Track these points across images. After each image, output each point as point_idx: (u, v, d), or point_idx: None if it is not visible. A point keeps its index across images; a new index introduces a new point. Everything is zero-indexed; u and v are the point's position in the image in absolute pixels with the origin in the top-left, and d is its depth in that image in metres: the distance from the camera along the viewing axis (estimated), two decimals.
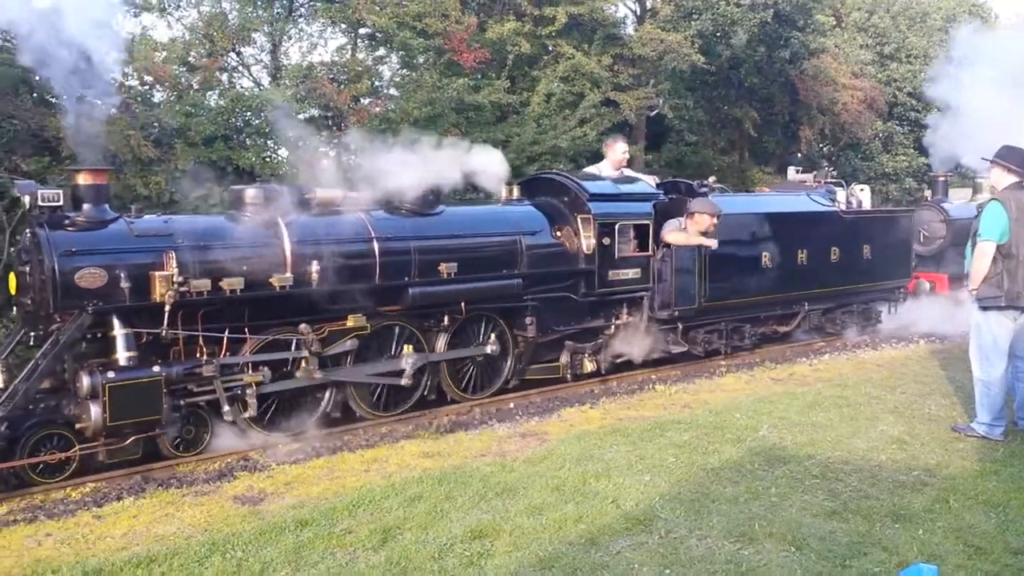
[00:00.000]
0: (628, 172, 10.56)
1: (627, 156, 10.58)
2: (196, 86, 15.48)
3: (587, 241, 9.10)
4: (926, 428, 7.39)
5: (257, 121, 15.16)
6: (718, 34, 21.75)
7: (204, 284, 6.81)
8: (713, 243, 9.78)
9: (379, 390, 8.13)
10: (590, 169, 10.76)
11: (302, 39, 18.23)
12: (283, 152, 15.64)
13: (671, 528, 5.16)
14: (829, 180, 12.62)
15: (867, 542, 4.99)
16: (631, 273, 9.48)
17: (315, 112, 15.97)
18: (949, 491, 5.80)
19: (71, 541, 5.17)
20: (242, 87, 16.52)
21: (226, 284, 6.94)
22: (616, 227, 9.26)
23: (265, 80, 17.17)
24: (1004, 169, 7.13)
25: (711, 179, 11.19)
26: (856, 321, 12.42)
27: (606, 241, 9.18)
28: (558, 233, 9.15)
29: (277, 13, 17.08)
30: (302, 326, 7.38)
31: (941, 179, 15.27)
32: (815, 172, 13.50)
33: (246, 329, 7.25)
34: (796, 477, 6.09)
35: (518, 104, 19.22)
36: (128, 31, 15.32)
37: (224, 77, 16.31)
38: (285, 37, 17.47)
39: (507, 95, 18.59)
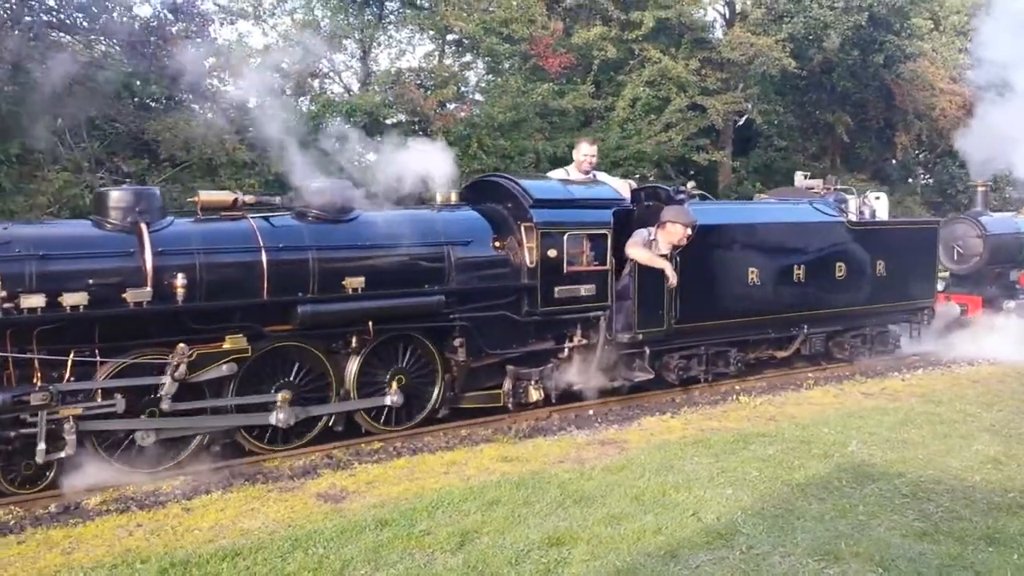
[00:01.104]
0: (603, 177, 9.48)
1: (591, 158, 9.37)
2: (288, 92, 15.88)
3: (530, 253, 7.95)
4: (1023, 448, 7.09)
5: (347, 126, 15.47)
6: (810, 37, 21.28)
7: (37, 300, 5.85)
8: (672, 277, 8.59)
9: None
10: (557, 173, 9.77)
11: (391, 45, 18.56)
12: (371, 157, 15.92)
13: (753, 544, 5.04)
14: (839, 187, 11.46)
15: (958, 565, 4.80)
16: (584, 289, 8.25)
17: (402, 117, 16.22)
18: None
19: (160, 532, 5.33)
20: (333, 93, 16.87)
21: (67, 300, 5.95)
22: (565, 237, 8.08)
23: (355, 86, 17.50)
24: None
25: (689, 185, 9.91)
26: (869, 346, 11.08)
27: (552, 253, 7.99)
28: (497, 244, 8.02)
29: (368, 20, 17.41)
30: (180, 346, 6.40)
31: (981, 189, 13.87)
32: (824, 178, 12.29)
33: (97, 352, 6.25)
34: (885, 496, 5.90)
35: (603, 109, 19.17)
36: (224, 38, 15.80)
37: (316, 83, 16.69)
38: (375, 44, 17.79)
39: (592, 100, 18.57)
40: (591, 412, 8.55)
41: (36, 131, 12.02)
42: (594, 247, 8.36)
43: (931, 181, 29.19)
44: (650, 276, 8.54)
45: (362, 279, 7.17)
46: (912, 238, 11.38)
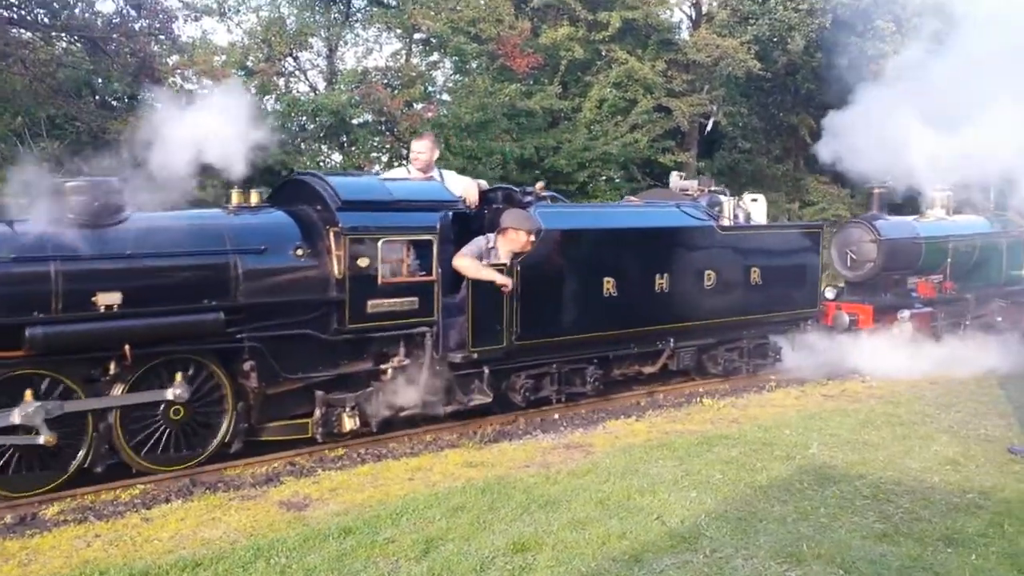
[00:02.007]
0: (450, 177, 8.75)
1: (420, 155, 8.57)
2: (254, 90, 15.74)
3: (338, 262, 7.00)
4: (981, 449, 7.20)
5: (312, 126, 15.37)
6: (775, 39, 21.46)
7: None
8: (506, 283, 7.79)
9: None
10: (397, 172, 9.00)
11: (358, 44, 18.45)
12: (336, 157, 15.85)
13: (717, 547, 5.08)
14: (713, 189, 10.67)
15: (918, 567, 4.86)
16: (403, 303, 7.32)
17: (369, 117, 16.14)
18: (1004, 515, 5.64)
19: (119, 542, 5.25)
20: (298, 92, 16.75)
21: None
22: (380, 244, 7.15)
23: (321, 85, 17.39)
24: None
25: (538, 185, 9.00)
26: (746, 360, 10.26)
27: (363, 262, 7.06)
28: (300, 252, 6.98)
29: (334, 18, 17.30)
30: None
31: (877, 191, 12.93)
32: (699, 178, 11.54)
33: None
34: (846, 497, 5.97)
35: (570, 110, 19.21)
36: (188, 35, 15.63)
37: (281, 82, 16.56)
38: (341, 42, 17.69)
39: (559, 100, 18.59)
40: (556, 416, 8.56)
41: None
42: (417, 255, 7.48)
43: (893, 184, 29.52)
44: (487, 288, 7.73)
45: (118, 295, 6.17)
46: (793, 243, 10.62)
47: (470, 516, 5.53)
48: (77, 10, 12.33)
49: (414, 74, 17.01)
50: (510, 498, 5.86)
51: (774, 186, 23.18)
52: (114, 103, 14.17)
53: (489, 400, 8.03)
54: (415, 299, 7.40)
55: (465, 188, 8.49)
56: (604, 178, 18.59)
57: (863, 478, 6.37)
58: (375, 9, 17.84)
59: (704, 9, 22.80)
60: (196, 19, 16.38)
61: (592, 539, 5.15)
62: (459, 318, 7.68)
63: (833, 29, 21.74)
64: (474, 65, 18.11)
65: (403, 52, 18.22)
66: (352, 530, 5.29)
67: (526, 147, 17.51)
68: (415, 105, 16.82)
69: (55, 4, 12.13)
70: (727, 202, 10.31)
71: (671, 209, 9.66)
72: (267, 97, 15.89)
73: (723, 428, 7.92)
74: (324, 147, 15.90)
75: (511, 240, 7.90)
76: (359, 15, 18.21)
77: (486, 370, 7.91)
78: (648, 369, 9.43)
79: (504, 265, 7.83)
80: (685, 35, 22.25)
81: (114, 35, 12.41)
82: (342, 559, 4.90)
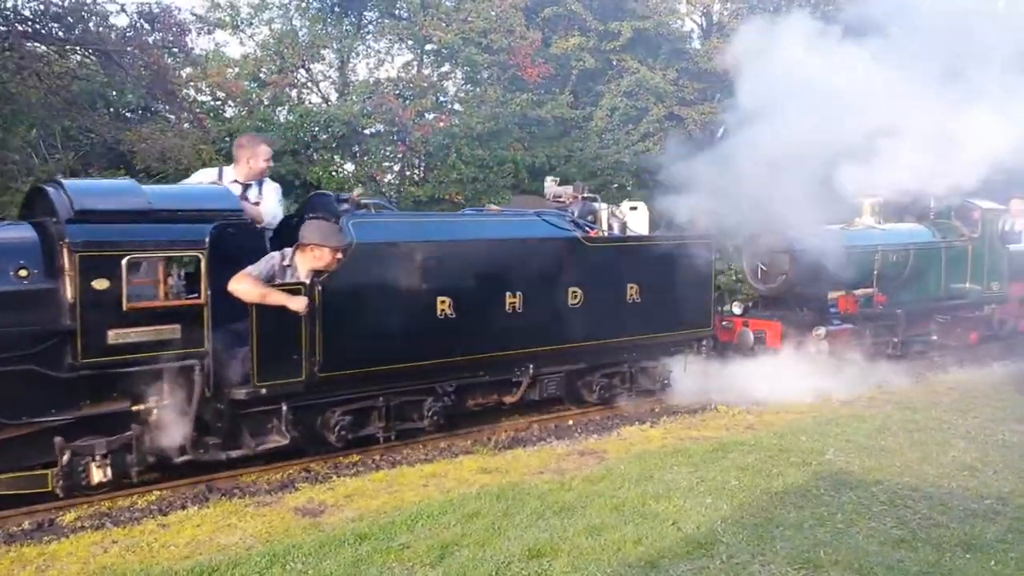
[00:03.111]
0: (268, 188, 7.59)
1: (266, 162, 7.56)
2: (266, 101, 15.83)
3: (71, 283, 5.88)
4: (999, 455, 7.15)
5: (324, 136, 15.45)
6: None
7: None
8: (299, 305, 6.59)
9: None
10: (202, 175, 7.86)
11: (370, 55, 18.53)
12: (349, 167, 15.91)
13: (733, 553, 5.05)
14: (586, 196, 9.67)
15: (936, 573, 4.83)
16: (160, 332, 6.16)
17: (381, 127, 16.20)
18: (1022, 520, 5.60)
19: (136, 548, 5.27)
20: (311, 103, 16.84)
21: None
22: (124, 262, 5.97)
23: (333, 96, 17.48)
24: None
25: (356, 191, 7.92)
26: (628, 386, 9.26)
27: (100, 284, 5.91)
28: (22, 272, 5.87)
29: (346, 30, 17.39)
30: None
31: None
32: (575, 183, 10.34)
33: None
34: (863, 503, 5.93)
35: (581, 119, 19.23)
36: (201, 48, 15.73)
37: (294, 93, 16.66)
38: (353, 54, 17.78)
39: (570, 110, 18.62)
40: (571, 422, 8.55)
41: (10, 142, 11.91)
42: (185, 275, 6.57)
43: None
44: (276, 312, 6.54)
45: None
46: (679, 255, 9.33)
47: (485, 522, 5.52)
48: (91, 24, 12.40)
49: (425, 84, 17.08)
50: (525, 504, 5.86)
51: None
52: (128, 115, 14.26)
53: (285, 442, 6.84)
54: (176, 327, 6.24)
55: (266, 194, 7.48)
56: (616, 186, 18.57)
57: (880, 484, 6.33)
58: (387, 21, 17.92)
59: (715, 18, 22.81)
60: (209, 32, 16.49)
61: (608, 545, 5.14)
62: (245, 348, 6.56)
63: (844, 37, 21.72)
64: (485, 75, 18.16)
65: (415, 63, 18.29)
66: (367, 536, 5.29)
67: (537, 156, 17.53)
68: (427, 115, 16.88)
69: (69, 18, 12.21)
70: (602, 211, 9.39)
71: (530, 219, 8.63)
72: (279, 108, 15.97)
73: (738, 434, 7.89)
74: (336, 157, 15.96)
75: (313, 257, 6.75)
76: (371, 27, 18.30)
77: (284, 407, 6.78)
78: (509, 398, 8.40)
79: (302, 285, 6.70)
80: (696, 44, 22.26)
81: (128, 48, 12.48)
82: (357, 565, 4.90)
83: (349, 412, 7.27)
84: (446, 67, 18.88)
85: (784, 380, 9.57)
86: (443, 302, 7.53)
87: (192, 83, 15.12)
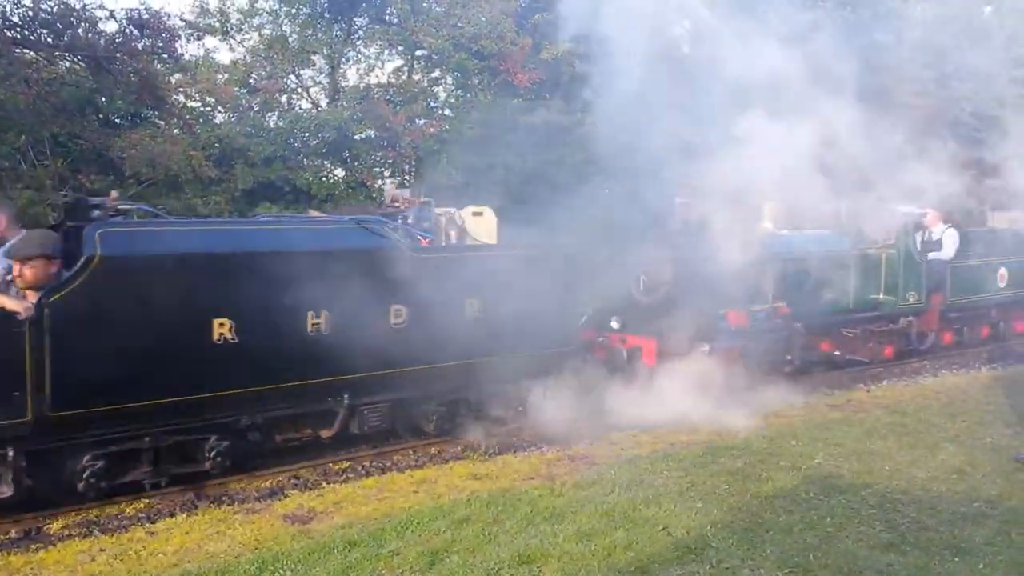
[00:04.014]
0: None
1: None
2: (256, 107, 15.83)
3: None
4: (987, 458, 7.16)
5: (315, 142, 15.45)
6: None
7: None
8: (18, 307, 5.63)
9: None
10: None
11: (360, 61, 18.55)
12: (339, 172, 15.91)
13: (723, 558, 5.06)
14: (424, 200, 8.56)
15: None
16: None
17: (371, 132, 16.21)
18: (1011, 524, 5.62)
19: (124, 556, 5.25)
20: (301, 108, 16.84)
21: None
22: None
23: (323, 101, 17.48)
24: None
25: (112, 194, 6.79)
26: (474, 414, 8.18)
27: None
28: None
29: (336, 36, 17.41)
30: None
31: (680, 201, 10.23)
32: (411, 186, 9.34)
33: None
34: (852, 507, 5.94)
35: (571, 124, 19.26)
36: (191, 54, 15.73)
37: (284, 99, 16.66)
38: (343, 59, 17.79)
39: (561, 115, 18.64)
40: (561, 428, 8.52)
41: None
42: None
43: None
44: None
45: None
46: (533, 266, 8.18)
47: (475, 528, 5.51)
48: (80, 30, 12.40)
49: (416, 90, 17.11)
50: (515, 510, 5.85)
51: None
52: (117, 121, 14.25)
53: (8, 494, 5.80)
54: None
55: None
56: (607, 190, 18.59)
57: (869, 488, 6.34)
58: (377, 27, 17.94)
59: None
60: (199, 38, 16.54)
61: (598, 550, 5.14)
62: None
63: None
64: (476, 81, 18.19)
65: (405, 69, 18.32)
66: (357, 543, 5.27)
67: (528, 161, 17.55)
68: (417, 121, 16.89)
69: (58, 24, 12.21)
70: (441, 217, 8.39)
71: (344, 227, 7.54)
72: (270, 114, 15.97)
73: (728, 439, 7.89)
74: (327, 163, 15.96)
75: (30, 271, 5.83)
76: (361, 33, 18.31)
77: (10, 453, 5.75)
78: (326, 432, 7.36)
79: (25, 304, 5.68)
80: (685, 50, 22.33)
81: (117, 54, 12.49)
82: (347, 572, 4.89)
83: (105, 456, 6.15)
84: (436, 73, 18.91)
85: (652, 404, 8.59)
86: (222, 325, 6.42)
87: (182, 89, 15.11)
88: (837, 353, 11.43)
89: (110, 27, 12.96)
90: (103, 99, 13.92)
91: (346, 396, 7.19)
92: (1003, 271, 13.43)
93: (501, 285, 7.83)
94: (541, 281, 8.11)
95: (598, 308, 9.55)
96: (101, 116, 14.03)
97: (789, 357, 10.57)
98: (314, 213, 9.17)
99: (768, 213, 11.02)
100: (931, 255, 12.14)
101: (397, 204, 8.57)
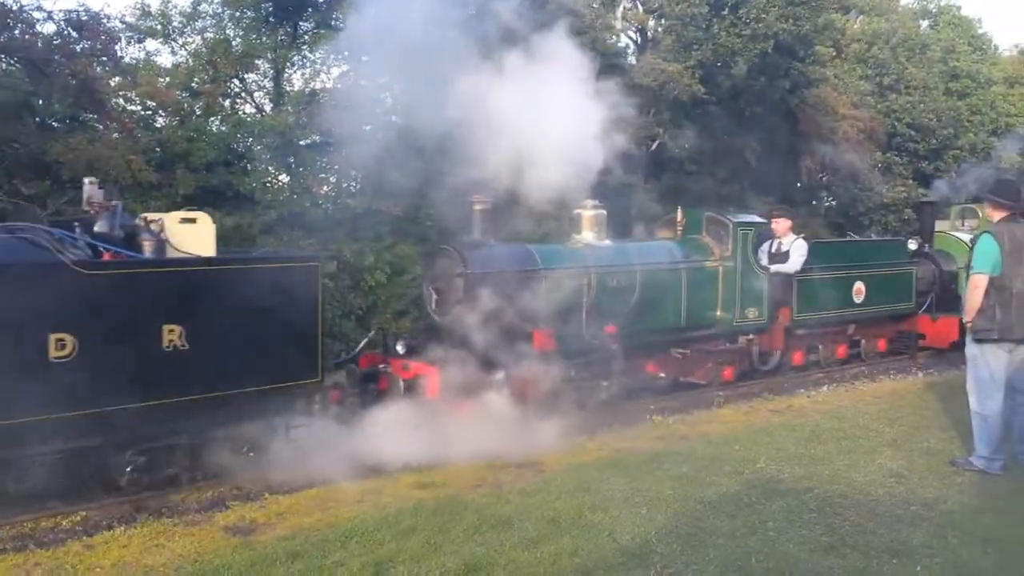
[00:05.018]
0: None
1: None
2: (199, 111, 15.58)
3: None
4: (924, 462, 7.32)
5: (259, 147, 15.24)
6: (719, 64, 21.87)
7: None
8: None
9: None
10: None
11: (305, 66, 18.37)
12: (284, 178, 15.72)
13: (667, 563, 5.09)
14: (114, 201, 7.05)
15: None
16: None
17: (317, 138, 16.05)
18: (947, 526, 5.74)
19: (60, 571, 5.11)
20: (244, 113, 16.62)
21: None
22: None
23: (267, 106, 17.28)
24: (995, 204, 7.17)
25: None
26: (190, 463, 7.03)
27: None
28: None
29: (281, 40, 17.22)
30: None
31: (479, 208, 8.99)
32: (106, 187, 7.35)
33: None
34: (793, 511, 6.03)
35: None
36: (131, 56, 15.44)
37: (227, 103, 16.42)
38: (288, 63, 17.61)
39: None
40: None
41: None
42: None
43: (834, 203, 30.24)
44: None
45: None
46: (263, 284, 7.09)
47: (421, 538, 5.47)
48: (17, 31, 12.09)
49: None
50: (462, 519, 5.82)
51: (720, 207, 23.45)
52: (55, 125, 13.90)
53: None
54: None
55: None
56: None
57: (810, 491, 6.44)
58: (323, 31, 17.80)
59: (649, 35, 23.19)
60: (140, 40, 16.24)
61: (544, 558, 5.13)
62: None
63: (775, 54, 22.24)
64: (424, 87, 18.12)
65: (351, 74, 18.17)
66: (300, 554, 5.20)
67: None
68: (364, 127, 16.75)
69: None
70: (154, 224, 7.04)
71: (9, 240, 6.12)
72: (212, 118, 15.73)
73: (673, 444, 7.97)
74: (271, 168, 15.75)
75: None
76: (307, 37, 18.16)
77: None
78: None
79: None
80: (631, 60, 22.57)
81: (55, 56, 12.20)
82: None
83: None
84: (384, 79, 18.79)
85: (424, 443, 7.56)
86: None
87: (122, 92, 14.81)
88: (663, 375, 10.31)
89: (48, 28, 12.67)
90: (40, 102, 13.57)
91: None
92: (859, 285, 12.45)
93: (214, 307, 6.79)
94: (274, 300, 7.08)
95: (393, 330, 8.75)
96: (38, 119, 13.67)
97: (605, 383, 9.45)
98: None
99: (588, 222, 9.85)
100: (774, 267, 11.35)
101: (91, 205, 7.07)
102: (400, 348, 8.88)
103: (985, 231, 7.10)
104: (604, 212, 9.92)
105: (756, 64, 22.11)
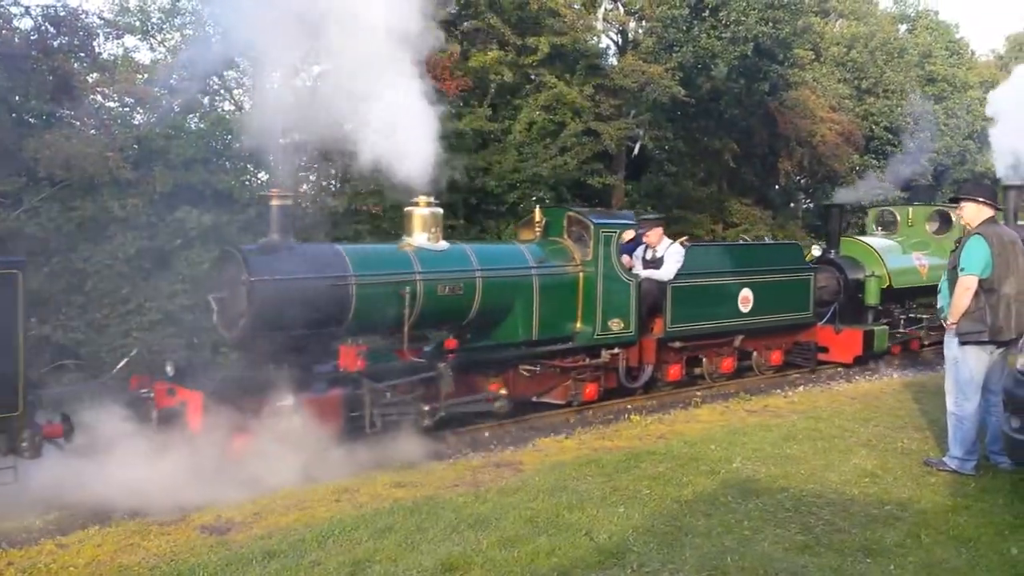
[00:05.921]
0: None
1: None
2: (177, 108, 15.46)
3: None
4: (899, 462, 7.39)
5: (237, 144, 15.15)
6: (699, 66, 21.94)
7: None
8: None
9: None
10: None
11: (285, 64, 18.25)
12: (263, 176, 15.64)
13: (644, 562, 5.12)
14: None
15: None
16: None
17: (297, 136, 15.97)
18: (921, 526, 5.80)
19: (33, 571, 5.07)
20: (223, 110, 16.53)
21: None
22: None
23: (247, 103, 17.19)
24: (977, 204, 7.19)
25: None
26: None
27: None
28: None
29: None
30: None
31: (277, 205, 7.94)
32: None
33: None
34: (769, 510, 6.07)
35: (499, 132, 19.32)
36: (110, 52, 15.31)
37: (205, 100, 16.32)
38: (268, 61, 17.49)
39: (489, 123, 18.69)
40: (487, 434, 8.54)
41: None
42: None
43: (811, 205, 30.45)
44: None
45: None
46: None
47: (398, 537, 5.47)
48: None
49: None
50: (439, 518, 5.82)
51: (699, 208, 23.64)
52: (31, 121, 13.76)
53: None
54: None
55: None
56: (535, 199, 18.71)
57: (785, 491, 6.49)
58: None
59: (630, 36, 23.25)
60: (118, 37, 16.07)
61: (521, 557, 5.14)
62: None
63: (755, 56, 22.34)
64: None
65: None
66: (276, 554, 5.19)
67: (456, 168, 17.53)
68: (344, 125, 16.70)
69: None
70: None
71: None
72: (191, 115, 15.62)
73: (650, 444, 8.01)
74: (250, 166, 15.67)
75: None
76: None
77: None
78: None
79: None
80: (612, 61, 22.63)
81: (32, 52, 12.08)
82: None
83: None
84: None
85: (173, 489, 6.51)
86: None
87: (100, 89, 14.67)
88: (504, 392, 9.03)
89: (25, 24, 12.54)
90: (16, 98, 13.43)
91: None
92: (746, 292, 11.38)
93: None
94: None
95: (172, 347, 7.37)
96: (14, 115, 13.53)
97: (427, 407, 8.31)
98: None
99: (419, 221, 8.77)
100: (646, 273, 10.43)
101: None
102: (169, 369, 7.41)
103: (976, 233, 7.04)
104: (440, 211, 8.97)
105: (736, 66, 22.20)
